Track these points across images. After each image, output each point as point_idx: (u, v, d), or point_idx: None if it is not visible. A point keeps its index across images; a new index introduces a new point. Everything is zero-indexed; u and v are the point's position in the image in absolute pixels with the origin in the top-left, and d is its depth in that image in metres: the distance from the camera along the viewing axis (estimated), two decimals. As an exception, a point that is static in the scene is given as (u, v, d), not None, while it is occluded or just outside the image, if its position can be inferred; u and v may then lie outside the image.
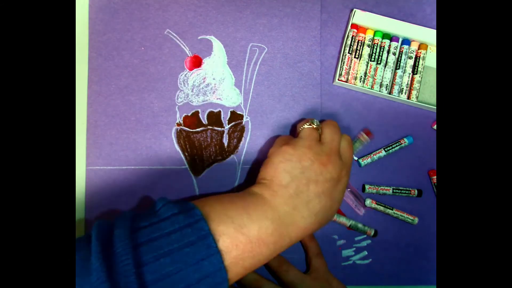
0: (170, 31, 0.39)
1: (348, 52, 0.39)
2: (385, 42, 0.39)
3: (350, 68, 0.39)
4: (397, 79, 0.39)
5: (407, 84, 0.39)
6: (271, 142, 0.38)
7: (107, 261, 0.25)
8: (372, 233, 0.39)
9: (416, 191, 0.39)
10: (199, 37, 0.39)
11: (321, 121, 0.36)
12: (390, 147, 0.39)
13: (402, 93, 0.39)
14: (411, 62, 0.39)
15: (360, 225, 0.39)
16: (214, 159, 0.39)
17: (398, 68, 0.39)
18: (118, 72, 0.39)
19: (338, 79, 0.39)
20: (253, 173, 0.39)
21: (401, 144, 0.39)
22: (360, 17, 0.39)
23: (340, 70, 0.39)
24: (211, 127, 0.39)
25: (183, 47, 0.39)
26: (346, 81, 0.39)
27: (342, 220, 0.39)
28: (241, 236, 0.28)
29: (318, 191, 0.31)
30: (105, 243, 0.26)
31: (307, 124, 0.35)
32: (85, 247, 0.27)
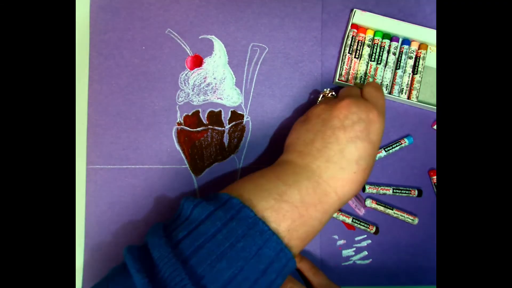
0: (171, 31, 0.39)
1: (348, 52, 0.39)
2: (385, 42, 0.39)
3: (350, 68, 0.39)
4: (397, 79, 0.39)
5: (407, 84, 0.39)
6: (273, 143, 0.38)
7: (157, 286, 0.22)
8: (374, 229, 0.39)
9: (416, 191, 0.39)
10: (200, 37, 0.40)
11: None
12: (390, 147, 0.40)
13: (402, 93, 0.39)
14: (411, 62, 0.39)
15: (362, 221, 0.39)
16: (214, 159, 0.39)
17: (398, 68, 0.39)
18: (118, 71, 0.39)
19: (338, 79, 0.39)
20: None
21: (401, 144, 0.40)
22: (360, 17, 0.39)
23: (340, 70, 0.39)
24: (211, 126, 0.39)
25: (184, 47, 0.39)
26: (346, 81, 0.39)
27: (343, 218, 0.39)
28: (285, 204, 0.26)
29: (350, 136, 0.28)
30: (148, 272, 0.23)
31: (321, 96, 0.36)
32: (124, 283, 0.24)
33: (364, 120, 0.29)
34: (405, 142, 0.40)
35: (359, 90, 0.33)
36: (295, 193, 0.27)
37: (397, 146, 0.40)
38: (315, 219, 0.27)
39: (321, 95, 0.37)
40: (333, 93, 0.37)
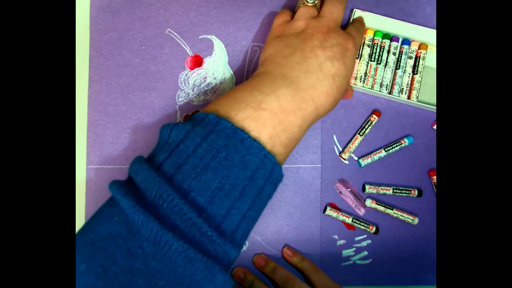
0: (171, 31, 0.39)
1: (349, 52, 0.39)
2: (385, 42, 0.39)
3: (350, 68, 0.39)
4: (397, 79, 0.39)
5: (407, 84, 0.39)
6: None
7: (150, 212, 0.22)
8: (374, 229, 0.39)
9: (416, 191, 0.39)
10: (200, 37, 0.39)
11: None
12: (390, 147, 0.40)
13: (402, 93, 0.39)
14: (411, 62, 0.39)
15: (362, 221, 0.39)
16: (214, 159, 0.39)
17: (398, 68, 0.39)
18: (119, 71, 0.39)
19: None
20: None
21: (401, 144, 0.40)
22: (359, 17, 0.39)
23: (340, 70, 0.39)
24: (211, 126, 0.39)
25: (184, 47, 0.39)
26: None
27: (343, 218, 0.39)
28: (263, 112, 0.26)
29: (328, 55, 0.30)
30: (135, 196, 0.23)
31: (301, 3, 0.34)
32: (111, 211, 0.23)
33: (342, 45, 0.31)
34: (405, 142, 0.40)
35: (316, 10, 0.34)
36: (273, 100, 0.27)
37: (397, 146, 0.40)
38: (295, 125, 0.28)
39: (300, 3, 0.35)
40: (316, 2, 0.35)
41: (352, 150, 0.39)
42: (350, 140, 0.40)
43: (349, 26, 0.36)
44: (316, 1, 0.34)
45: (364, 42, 0.39)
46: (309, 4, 0.34)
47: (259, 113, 0.26)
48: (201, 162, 0.24)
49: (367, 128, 0.39)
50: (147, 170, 0.24)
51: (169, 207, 0.22)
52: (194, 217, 0.22)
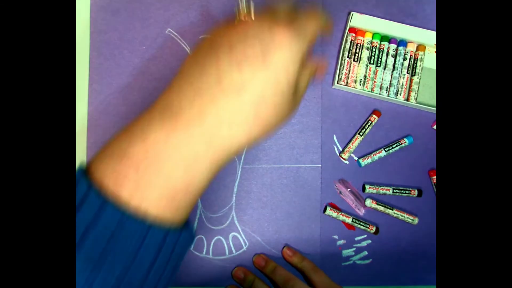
0: (171, 31, 0.39)
1: (347, 57, 0.39)
2: (383, 45, 0.39)
3: (349, 71, 0.39)
4: (393, 81, 0.39)
5: (402, 85, 0.39)
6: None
7: None
8: (374, 229, 0.39)
9: (416, 191, 0.39)
10: (200, 37, 0.40)
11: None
12: (390, 147, 0.40)
13: (398, 95, 0.39)
14: (406, 63, 0.39)
15: (362, 221, 0.39)
16: (214, 159, 0.39)
17: (394, 70, 0.39)
18: (119, 71, 0.39)
19: (338, 83, 0.39)
20: (254, 172, 0.39)
21: (401, 144, 0.40)
22: (358, 19, 0.39)
23: (339, 74, 0.39)
24: (211, 126, 0.39)
25: (184, 46, 0.39)
26: (346, 85, 0.39)
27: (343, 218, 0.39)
28: (125, 161, 0.20)
29: (238, 59, 0.21)
30: None
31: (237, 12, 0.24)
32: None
33: (263, 40, 0.21)
34: (405, 142, 0.40)
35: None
36: (140, 144, 0.21)
37: (397, 146, 0.40)
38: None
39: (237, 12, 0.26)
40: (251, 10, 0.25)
41: (352, 150, 0.39)
42: (350, 140, 0.40)
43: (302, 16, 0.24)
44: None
45: (362, 45, 0.39)
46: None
47: (119, 164, 0.21)
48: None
49: (367, 128, 0.39)
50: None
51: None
52: None
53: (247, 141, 0.22)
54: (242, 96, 0.21)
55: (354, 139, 0.39)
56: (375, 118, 0.39)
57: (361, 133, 0.39)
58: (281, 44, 0.21)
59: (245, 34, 0.21)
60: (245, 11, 0.24)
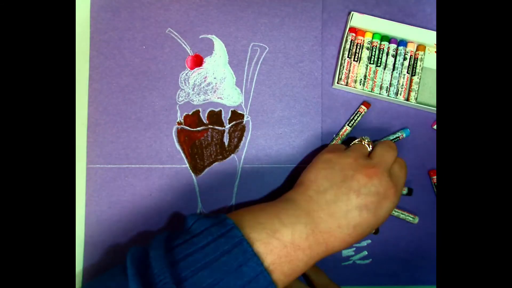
0: (172, 30, 0.39)
1: (348, 57, 0.39)
2: (384, 44, 0.39)
3: (349, 71, 0.39)
4: (393, 81, 0.39)
5: (403, 84, 0.39)
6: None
7: (145, 284, 0.25)
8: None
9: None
10: (200, 36, 0.40)
11: (375, 141, 0.36)
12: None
13: (398, 95, 0.39)
14: (406, 63, 0.39)
15: None
16: (214, 158, 0.39)
17: (394, 70, 0.39)
18: (119, 71, 0.39)
19: (338, 83, 0.39)
20: (254, 172, 0.39)
21: (399, 138, 0.39)
22: (358, 19, 0.39)
23: (339, 74, 0.39)
24: (211, 126, 0.39)
25: (184, 46, 0.39)
26: (346, 85, 0.39)
27: None
28: (275, 241, 0.28)
29: (360, 203, 0.30)
30: (142, 267, 0.26)
31: (357, 140, 0.35)
32: (120, 273, 0.27)
33: (380, 194, 0.30)
34: (402, 136, 0.39)
35: (367, 150, 0.34)
36: (288, 233, 0.28)
37: (395, 140, 0.39)
38: (301, 260, 0.29)
39: (357, 140, 0.35)
40: (370, 145, 0.35)
41: (341, 140, 0.39)
42: (340, 131, 0.40)
43: (395, 163, 0.33)
44: (371, 142, 0.35)
45: (362, 45, 0.39)
46: (364, 142, 0.34)
47: (270, 240, 0.28)
48: (204, 259, 0.26)
49: (357, 119, 0.39)
50: (160, 249, 0.27)
51: (161, 286, 0.25)
52: None
53: (341, 250, 0.32)
54: (355, 229, 0.30)
55: (343, 130, 0.39)
56: (364, 109, 0.39)
57: (350, 124, 0.39)
58: (390, 199, 0.31)
59: (370, 183, 0.30)
60: (365, 142, 0.35)
